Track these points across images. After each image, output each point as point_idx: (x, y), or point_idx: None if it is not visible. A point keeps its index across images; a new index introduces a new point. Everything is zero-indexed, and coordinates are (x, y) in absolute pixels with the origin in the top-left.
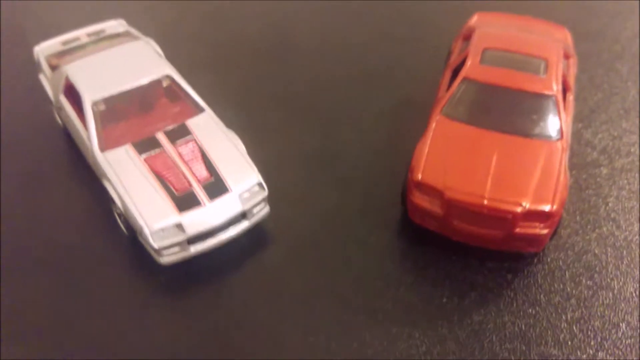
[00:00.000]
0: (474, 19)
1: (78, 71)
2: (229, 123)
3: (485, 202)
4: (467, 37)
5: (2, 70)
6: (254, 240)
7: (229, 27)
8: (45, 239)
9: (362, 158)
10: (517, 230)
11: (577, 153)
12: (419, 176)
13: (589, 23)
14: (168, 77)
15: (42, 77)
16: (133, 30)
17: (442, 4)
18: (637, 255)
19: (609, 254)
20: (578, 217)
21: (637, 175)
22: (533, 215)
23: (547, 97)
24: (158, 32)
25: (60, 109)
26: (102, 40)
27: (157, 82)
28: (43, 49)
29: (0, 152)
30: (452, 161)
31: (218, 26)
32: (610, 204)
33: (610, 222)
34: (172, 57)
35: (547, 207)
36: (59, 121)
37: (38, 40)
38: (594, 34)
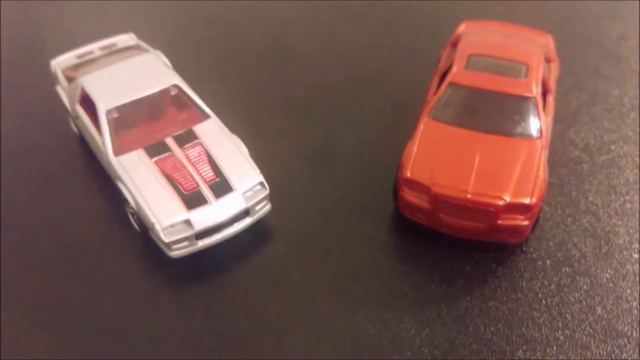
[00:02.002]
0: (462, 27)
1: (93, 82)
2: (233, 128)
3: (469, 196)
4: (455, 45)
5: (21, 82)
6: (257, 235)
7: (232, 35)
8: (63, 236)
9: (358, 157)
10: (500, 222)
11: (560, 151)
12: (408, 173)
13: (575, 27)
14: (176, 86)
15: (59, 89)
16: (142, 44)
17: (436, 11)
18: (614, 244)
19: (588, 244)
20: (559, 211)
21: (616, 170)
22: (514, 208)
23: (527, 99)
24: (165, 43)
25: (77, 117)
26: (114, 53)
27: (165, 91)
28: (59, 62)
29: (19, 158)
30: (438, 159)
31: (221, 35)
32: (590, 198)
33: (590, 215)
34: (179, 66)
35: (526, 200)
36: (75, 129)
37: (54, 54)
38: (580, 38)
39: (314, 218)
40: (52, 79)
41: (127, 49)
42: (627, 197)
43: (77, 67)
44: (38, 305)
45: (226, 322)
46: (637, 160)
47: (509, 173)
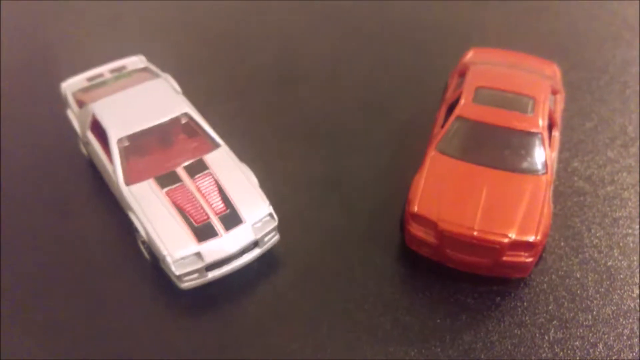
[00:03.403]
0: (469, 55)
1: (104, 109)
2: (242, 151)
3: (475, 233)
4: (462, 73)
5: (29, 102)
6: (266, 265)
7: (240, 57)
8: (72, 261)
9: (365, 183)
10: (504, 258)
11: (564, 181)
12: (415, 208)
13: (580, 53)
14: (186, 114)
15: (69, 112)
16: (152, 66)
17: (443, 35)
18: (616, 279)
19: (590, 278)
20: (562, 243)
21: (619, 202)
22: (518, 245)
23: (534, 134)
24: (174, 64)
25: (87, 143)
26: (124, 76)
27: (176, 120)
28: (70, 85)
29: (29, 179)
30: (445, 194)
31: (230, 56)
32: (592, 230)
33: (592, 248)
34: (187, 88)
35: (531, 238)
36: (84, 151)
37: (62, 74)
38: (584, 63)
39: (321, 248)
40: (61, 100)
41: (137, 72)
42: (629, 231)
43: (87, 90)
44: (44, 330)
45: (235, 353)
46: None
47: (515, 210)
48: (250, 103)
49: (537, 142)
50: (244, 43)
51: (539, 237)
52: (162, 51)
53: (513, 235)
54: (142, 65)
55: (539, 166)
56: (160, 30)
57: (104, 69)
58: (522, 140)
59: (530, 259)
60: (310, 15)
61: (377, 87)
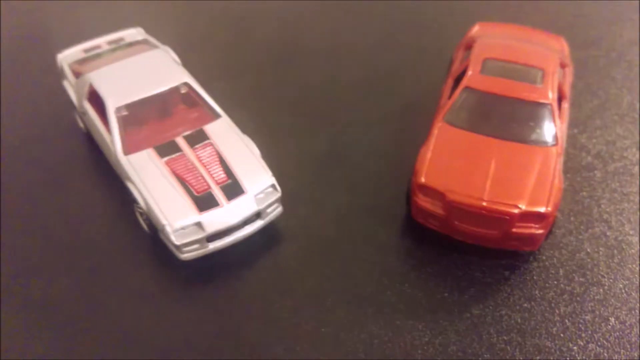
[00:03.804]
0: (475, 29)
1: (101, 79)
2: (244, 127)
3: (484, 203)
4: (469, 47)
5: (25, 75)
6: (268, 238)
7: (241, 33)
8: (70, 235)
9: (369, 159)
10: (514, 230)
11: (572, 157)
12: (422, 179)
13: (587, 31)
14: (186, 84)
15: (65, 84)
16: (151, 38)
17: (446, 11)
18: (627, 254)
19: (601, 253)
20: (572, 218)
21: (629, 178)
22: (529, 217)
23: (544, 105)
24: (174, 39)
25: (84, 114)
26: (122, 48)
27: (175, 89)
28: (66, 57)
29: (24, 153)
30: (453, 165)
31: (231, 32)
32: (602, 206)
33: (603, 223)
34: (187, 63)
35: (542, 209)
36: (81, 124)
37: (59, 47)
38: (591, 41)
39: (325, 221)
40: (57, 73)
41: (135, 43)
42: None
43: (84, 61)
44: (43, 305)
45: (237, 326)
46: None
47: (525, 181)
48: (252, 80)
49: (547, 113)
50: (246, 19)
51: (549, 208)
52: (162, 26)
53: (523, 205)
54: (140, 38)
55: (549, 138)
56: (160, 5)
57: (101, 41)
58: (531, 111)
59: (540, 231)
60: None
61: (380, 64)
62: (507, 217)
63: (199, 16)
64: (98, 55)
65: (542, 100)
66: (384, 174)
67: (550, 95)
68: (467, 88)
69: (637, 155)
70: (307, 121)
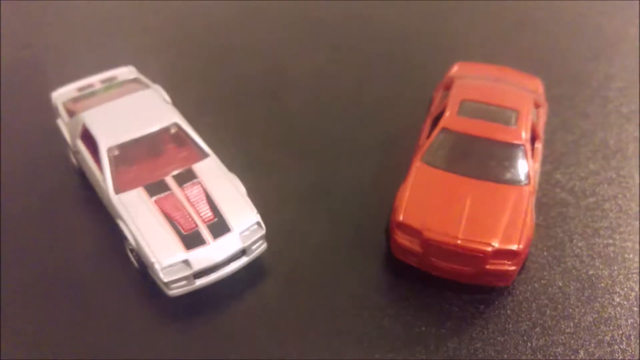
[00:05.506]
0: (455, 69)
1: (94, 119)
2: (231, 162)
3: (459, 242)
4: (448, 87)
5: (20, 111)
6: (253, 273)
7: (230, 69)
8: (61, 269)
9: (352, 194)
10: (488, 267)
11: (546, 193)
12: (401, 217)
13: (562, 68)
14: (175, 124)
15: (59, 122)
16: (142, 77)
17: (428, 49)
18: (597, 287)
19: (572, 287)
20: (545, 253)
21: (600, 213)
22: (502, 254)
23: (517, 146)
24: (164, 76)
25: (77, 152)
26: (114, 87)
27: (165, 130)
28: (60, 95)
29: (17, 187)
30: (430, 204)
31: (220, 70)
32: (574, 241)
33: (574, 258)
34: (177, 99)
35: (514, 247)
36: (74, 161)
37: (53, 84)
38: (566, 78)
39: (308, 256)
40: (51, 109)
41: (127, 82)
42: (610, 241)
43: (77, 100)
44: (35, 337)
45: (223, 358)
46: (620, 203)
47: (498, 219)
48: (238, 115)
49: (520, 154)
50: (233, 56)
51: (521, 246)
52: (153, 63)
53: (496, 243)
54: (132, 76)
55: (522, 177)
56: (150, 43)
57: (95, 79)
58: (505, 152)
59: (513, 268)
60: (298, 29)
61: (363, 100)
62: (481, 255)
63: (189, 54)
64: (91, 94)
65: (515, 141)
66: (367, 208)
67: (523, 136)
68: (444, 129)
69: (609, 191)
70: (292, 156)
